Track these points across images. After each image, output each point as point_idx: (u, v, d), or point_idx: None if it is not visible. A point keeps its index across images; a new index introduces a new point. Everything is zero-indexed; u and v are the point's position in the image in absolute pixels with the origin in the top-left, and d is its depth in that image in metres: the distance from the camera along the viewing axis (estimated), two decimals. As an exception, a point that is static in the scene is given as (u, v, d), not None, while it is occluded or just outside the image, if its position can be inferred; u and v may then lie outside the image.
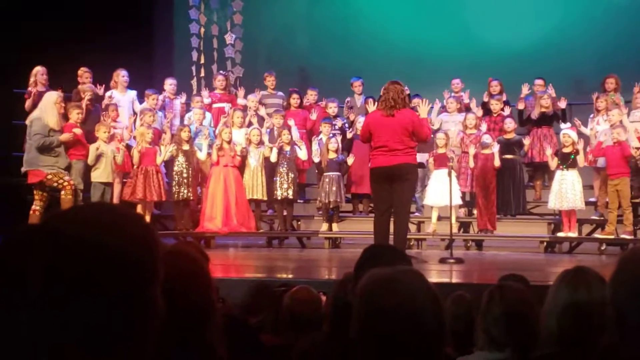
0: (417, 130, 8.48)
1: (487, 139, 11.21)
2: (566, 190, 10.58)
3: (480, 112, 11.92)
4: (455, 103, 12.12)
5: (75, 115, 10.39)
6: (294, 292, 4.01)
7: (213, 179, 11.28)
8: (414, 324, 1.79)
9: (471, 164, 11.37)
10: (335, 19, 15.06)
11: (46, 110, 10.05)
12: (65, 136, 10.16)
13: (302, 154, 11.68)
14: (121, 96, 11.69)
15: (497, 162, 11.11)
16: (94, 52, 11.75)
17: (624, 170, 10.36)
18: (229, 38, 13.77)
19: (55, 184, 9.99)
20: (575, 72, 13.88)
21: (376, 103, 9.22)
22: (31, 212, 10.02)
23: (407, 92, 9.73)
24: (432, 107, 11.53)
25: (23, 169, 10.16)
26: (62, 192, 9.95)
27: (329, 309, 3.27)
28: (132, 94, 11.90)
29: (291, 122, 11.77)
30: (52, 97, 10.16)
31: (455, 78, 12.62)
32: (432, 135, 10.75)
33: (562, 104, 11.63)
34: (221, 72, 13.15)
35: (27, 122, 10.28)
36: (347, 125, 12.27)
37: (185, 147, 11.19)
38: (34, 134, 10.01)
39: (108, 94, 11.58)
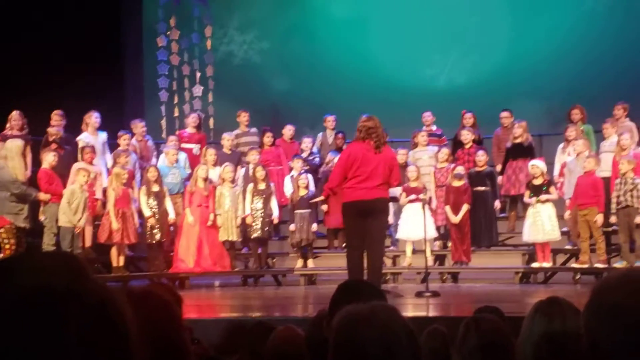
0: (395, 171, 8.53)
1: (460, 170, 11.27)
2: (542, 223, 10.62)
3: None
4: (426, 137, 12.19)
5: (51, 158, 10.33)
6: (279, 332, 3.97)
7: (186, 219, 11.22)
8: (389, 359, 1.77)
9: (434, 204, 11.44)
10: (304, 55, 15.15)
11: (12, 159, 9.81)
12: (43, 196, 10.09)
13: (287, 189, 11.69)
14: (93, 138, 11.62)
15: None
16: (65, 95, 11.75)
17: (593, 201, 10.43)
18: (197, 90, 13.82)
19: (0, 240, 9.64)
20: (546, 103, 14.06)
21: (354, 136, 9.15)
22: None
23: None
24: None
25: None
26: (0, 255, 9.54)
27: (304, 346, 3.24)
28: (104, 135, 11.84)
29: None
30: (16, 146, 9.90)
31: (426, 111, 12.72)
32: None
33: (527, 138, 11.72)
34: (196, 111, 13.18)
35: None
36: (318, 161, 12.30)
37: (155, 188, 11.11)
38: (9, 182, 9.77)
39: (80, 138, 11.49)
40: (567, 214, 11.01)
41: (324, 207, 11.51)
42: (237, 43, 15.10)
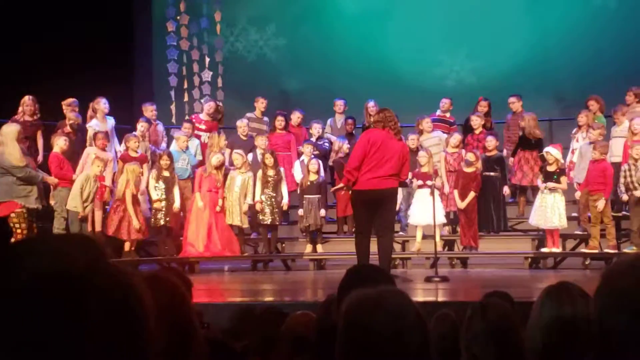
0: (406, 165, 8.56)
1: (470, 157, 11.23)
2: (548, 209, 10.58)
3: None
4: (430, 123, 12.16)
5: (62, 142, 10.33)
6: (294, 317, 3.97)
7: (196, 204, 11.23)
8: (398, 344, 1.77)
9: (446, 189, 11.42)
10: (316, 40, 15.12)
11: (7, 145, 9.64)
12: (51, 180, 10.10)
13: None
14: (102, 125, 11.59)
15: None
16: (74, 81, 11.75)
17: (601, 188, 10.39)
18: (206, 75, 13.79)
19: (11, 224, 9.44)
20: (556, 89, 14.01)
21: (370, 124, 9.18)
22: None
23: None
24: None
25: None
26: (13, 240, 9.54)
27: (314, 331, 3.24)
28: (111, 121, 11.83)
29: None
30: (11, 131, 9.74)
31: (445, 97, 12.70)
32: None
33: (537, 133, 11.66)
34: (213, 99, 13.15)
35: None
36: (328, 146, 12.29)
37: (165, 173, 11.12)
38: (10, 167, 9.68)
39: (89, 125, 11.49)
40: (577, 194, 10.98)
41: (332, 190, 11.44)
42: (247, 31, 15.04)
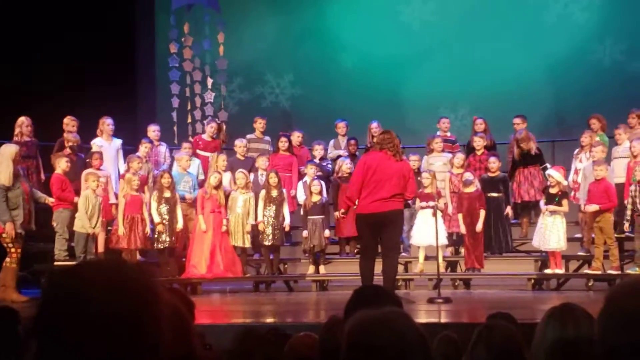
0: (410, 183, 8.51)
1: (468, 176, 11.23)
2: (549, 232, 10.57)
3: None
4: (441, 143, 12.15)
5: (64, 164, 10.33)
6: (297, 338, 3.96)
7: (199, 226, 11.22)
8: (401, 366, 1.77)
9: (450, 209, 11.40)
10: (317, 60, 15.17)
11: (1, 163, 9.45)
12: (49, 200, 10.08)
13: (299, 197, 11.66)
14: (107, 144, 11.65)
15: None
16: (77, 101, 11.78)
17: (606, 206, 10.38)
18: (208, 96, 13.81)
19: (4, 244, 9.43)
20: (558, 109, 14.04)
21: (369, 146, 9.23)
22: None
23: None
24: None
25: None
26: (8, 259, 9.42)
27: (317, 352, 3.23)
28: (118, 142, 11.85)
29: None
30: (9, 151, 9.58)
31: (444, 117, 12.75)
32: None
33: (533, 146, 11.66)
34: (215, 119, 13.18)
35: None
36: (330, 168, 12.28)
37: (167, 194, 11.12)
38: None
39: (94, 142, 11.54)
40: (581, 214, 10.96)
41: (336, 215, 11.41)
42: (249, 51, 15.09)
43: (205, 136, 12.59)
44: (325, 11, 15.38)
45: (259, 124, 12.60)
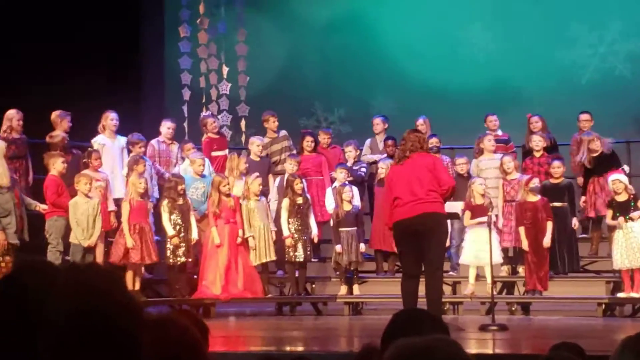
0: (440, 176, 8.44)
1: (536, 182, 11.09)
2: (636, 245, 10.40)
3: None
4: (493, 141, 12.01)
5: (60, 165, 10.33)
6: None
7: (211, 240, 11.17)
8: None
9: (500, 222, 11.29)
10: (349, 50, 15.26)
11: None
12: (42, 207, 10.13)
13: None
14: (110, 142, 11.59)
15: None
16: (73, 92, 11.84)
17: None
18: (223, 87, 13.78)
19: None
20: (635, 108, 14.02)
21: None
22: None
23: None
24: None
25: None
26: None
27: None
28: (123, 140, 11.75)
29: None
30: (0, 148, 9.69)
31: (491, 114, 12.63)
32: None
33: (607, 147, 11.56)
34: (209, 113, 13.09)
35: None
36: (365, 171, 12.24)
37: (180, 201, 11.10)
38: None
39: (95, 140, 11.50)
40: None
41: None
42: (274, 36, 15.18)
43: (211, 135, 12.45)
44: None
45: (272, 122, 12.48)
